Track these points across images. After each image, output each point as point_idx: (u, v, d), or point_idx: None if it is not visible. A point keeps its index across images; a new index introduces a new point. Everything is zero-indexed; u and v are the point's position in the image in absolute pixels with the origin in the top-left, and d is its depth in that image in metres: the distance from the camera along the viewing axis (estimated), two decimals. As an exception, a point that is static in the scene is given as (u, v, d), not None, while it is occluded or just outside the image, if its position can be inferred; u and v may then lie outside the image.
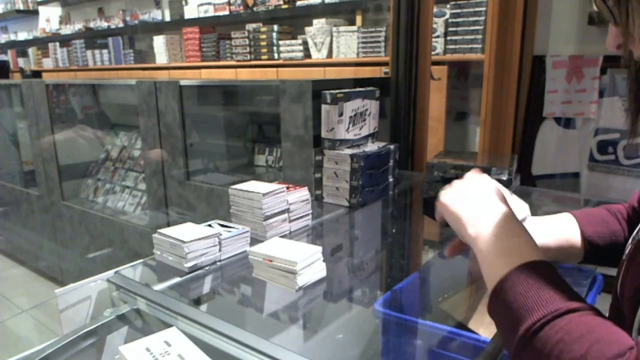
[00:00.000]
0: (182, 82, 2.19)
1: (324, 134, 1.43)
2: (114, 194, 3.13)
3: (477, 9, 2.22)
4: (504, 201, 0.64)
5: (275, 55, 3.19)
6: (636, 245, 0.59)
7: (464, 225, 0.63)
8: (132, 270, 1.01)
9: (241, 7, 3.41)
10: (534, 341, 0.47)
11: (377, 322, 0.90)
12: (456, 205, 0.65)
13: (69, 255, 3.10)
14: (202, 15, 3.67)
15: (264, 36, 3.23)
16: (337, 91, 1.39)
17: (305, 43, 3.04)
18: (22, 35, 6.00)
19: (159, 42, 4.01)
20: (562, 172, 1.93)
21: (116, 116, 3.39)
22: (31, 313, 2.83)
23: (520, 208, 0.69)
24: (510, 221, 0.60)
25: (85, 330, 0.80)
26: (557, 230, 0.79)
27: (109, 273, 0.97)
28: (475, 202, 0.64)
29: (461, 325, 0.89)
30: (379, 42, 2.69)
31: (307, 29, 3.00)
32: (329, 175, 1.44)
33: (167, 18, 4.05)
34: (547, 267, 0.53)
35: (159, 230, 1.03)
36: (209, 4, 3.59)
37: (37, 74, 5.54)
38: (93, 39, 4.85)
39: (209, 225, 1.10)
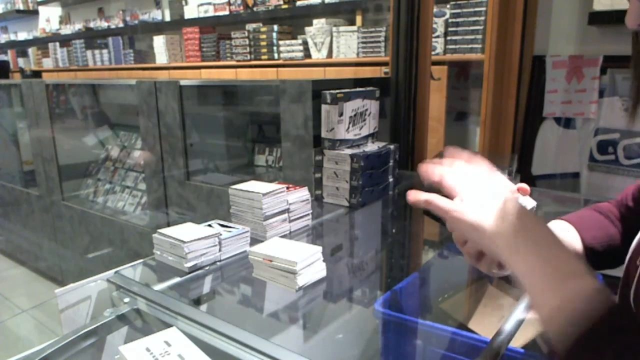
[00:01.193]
0: (182, 82, 2.19)
1: (324, 134, 1.42)
2: (114, 193, 3.13)
3: (477, 9, 2.22)
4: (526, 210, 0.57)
5: (275, 55, 3.19)
6: None
7: (492, 239, 0.54)
8: (132, 270, 1.01)
9: (241, 7, 3.41)
10: None
11: (377, 322, 0.89)
12: (477, 216, 0.56)
13: (69, 255, 3.09)
14: (202, 15, 3.67)
15: (264, 36, 3.23)
16: (337, 91, 1.39)
17: (305, 43, 3.04)
18: (22, 35, 6.00)
19: (159, 42, 4.01)
20: (562, 172, 1.93)
21: (116, 116, 3.39)
22: (31, 313, 2.83)
23: (527, 201, 0.67)
24: (552, 237, 0.52)
25: (85, 330, 0.80)
26: None
27: (109, 273, 0.97)
28: (502, 212, 0.54)
29: (461, 325, 0.89)
30: (379, 42, 2.69)
31: (307, 29, 3.00)
32: (329, 175, 1.44)
33: (167, 18, 4.05)
34: (620, 313, 0.45)
35: (159, 230, 1.03)
36: (209, 4, 3.59)
37: (37, 74, 5.54)
38: (93, 39, 4.85)
39: (209, 225, 1.10)
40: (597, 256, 0.75)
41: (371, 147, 1.51)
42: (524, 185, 0.69)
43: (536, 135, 1.96)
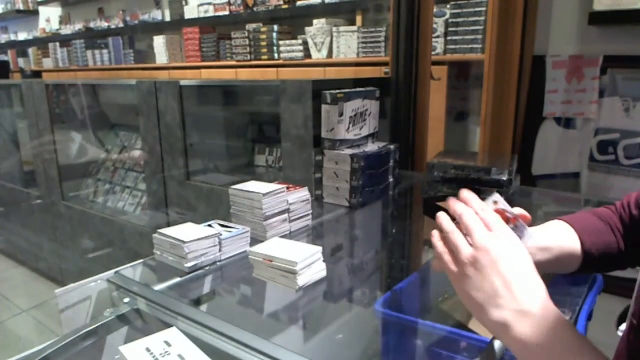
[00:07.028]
0: (182, 82, 2.19)
1: (324, 134, 1.42)
2: (113, 193, 3.13)
3: (477, 9, 2.22)
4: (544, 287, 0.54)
5: (275, 55, 3.19)
6: None
7: (510, 343, 0.52)
8: (132, 270, 1.01)
9: (241, 7, 3.41)
10: None
11: (377, 322, 0.89)
12: (481, 295, 0.54)
13: (69, 255, 3.09)
14: (202, 15, 3.67)
15: (264, 36, 3.22)
16: (337, 91, 1.39)
17: (305, 43, 3.04)
18: (22, 35, 6.01)
19: (159, 42, 4.01)
20: (562, 172, 1.93)
21: (116, 116, 3.39)
22: (31, 313, 2.83)
23: (525, 231, 0.64)
24: (566, 328, 0.50)
25: (85, 330, 0.80)
26: (560, 241, 0.76)
27: (109, 273, 0.97)
28: (531, 319, 0.51)
29: (461, 325, 0.89)
30: (379, 42, 2.69)
31: (307, 29, 3.00)
32: (329, 175, 1.44)
33: (167, 18, 4.06)
34: None
35: (159, 230, 1.03)
36: (209, 4, 3.59)
37: (37, 74, 5.54)
38: (93, 38, 4.85)
39: (209, 225, 1.09)
40: (593, 261, 0.76)
41: (371, 147, 1.51)
42: (525, 213, 0.67)
43: (536, 135, 1.96)
